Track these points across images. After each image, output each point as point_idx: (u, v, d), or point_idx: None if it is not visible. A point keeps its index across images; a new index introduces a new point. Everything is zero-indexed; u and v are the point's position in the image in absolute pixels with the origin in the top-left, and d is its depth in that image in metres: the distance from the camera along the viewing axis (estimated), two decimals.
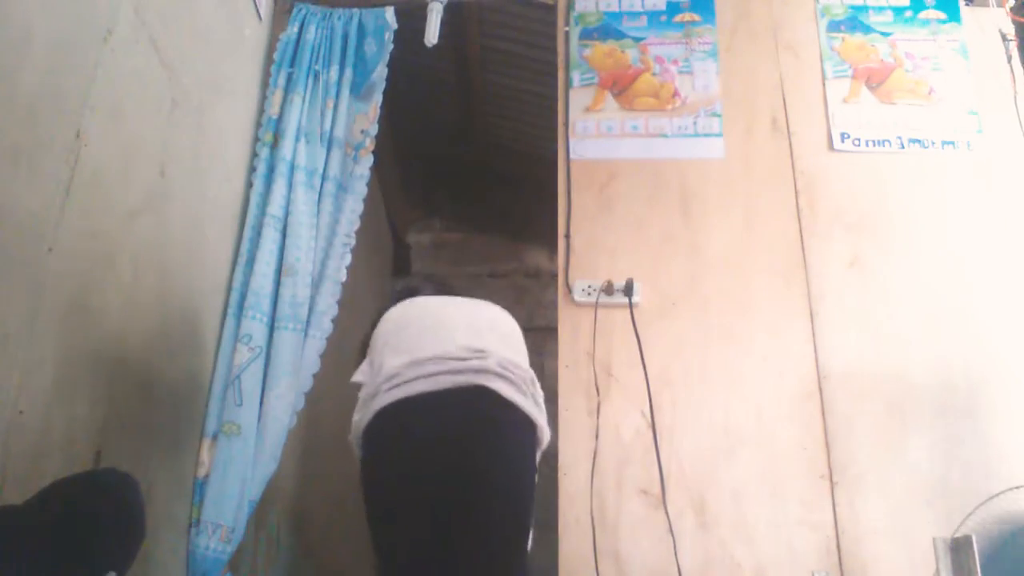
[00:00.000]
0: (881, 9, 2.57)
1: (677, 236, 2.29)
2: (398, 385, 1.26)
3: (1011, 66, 2.47)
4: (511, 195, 4.59)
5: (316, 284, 2.21)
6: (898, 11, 2.56)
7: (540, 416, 1.31)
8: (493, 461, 1.23)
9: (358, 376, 1.36)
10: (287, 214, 2.22)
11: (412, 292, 1.59)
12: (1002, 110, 2.42)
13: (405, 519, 1.19)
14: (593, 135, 2.42)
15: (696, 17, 2.56)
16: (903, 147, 2.38)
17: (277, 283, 2.15)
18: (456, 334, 1.32)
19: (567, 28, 2.56)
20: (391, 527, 1.21)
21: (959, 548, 1.54)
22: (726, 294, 2.21)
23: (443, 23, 2.56)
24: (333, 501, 3.26)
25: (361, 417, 1.29)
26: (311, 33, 2.45)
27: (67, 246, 1.46)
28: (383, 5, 2.50)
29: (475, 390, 1.24)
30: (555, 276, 2.29)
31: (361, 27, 2.49)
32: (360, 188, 2.34)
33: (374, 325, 1.53)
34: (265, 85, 2.43)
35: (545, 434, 1.33)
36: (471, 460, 1.21)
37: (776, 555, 1.94)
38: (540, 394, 1.33)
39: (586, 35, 2.55)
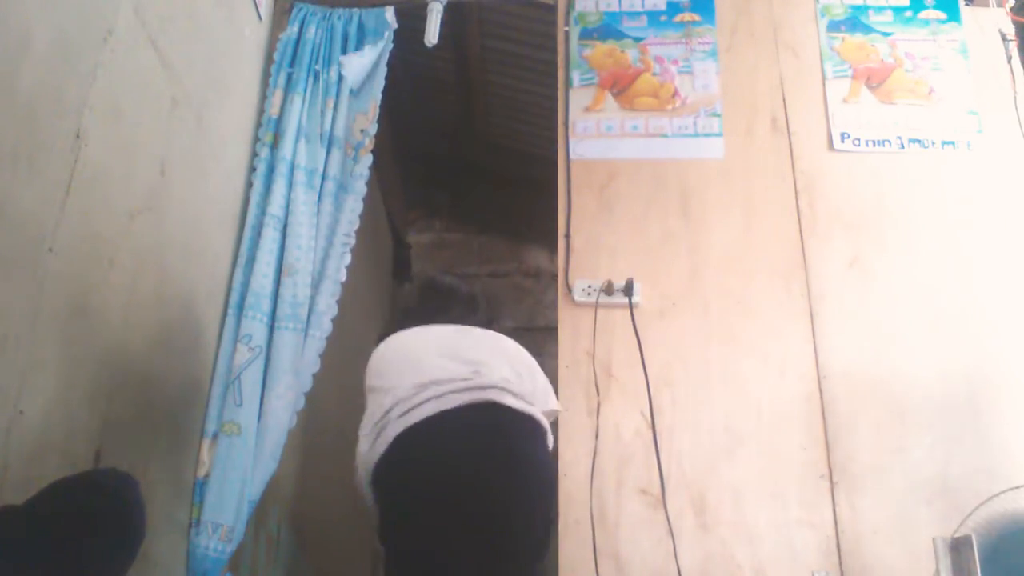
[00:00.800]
0: (881, 9, 2.57)
1: (677, 236, 2.29)
2: (408, 411, 1.25)
3: (1011, 66, 2.47)
4: (511, 195, 4.58)
5: (316, 284, 2.21)
6: (898, 11, 2.56)
7: (542, 409, 1.32)
8: (513, 474, 1.24)
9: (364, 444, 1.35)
10: (287, 214, 2.21)
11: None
12: (1002, 110, 2.42)
13: (444, 543, 1.18)
14: (593, 135, 2.42)
15: (696, 17, 2.56)
16: (903, 147, 2.38)
17: (277, 283, 2.15)
18: (456, 351, 1.32)
19: (567, 28, 2.56)
20: (431, 556, 1.20)
21: (959, 548, 1.54)
22: (726, 294, 2.21)
23: (443, 23, 2.56)
24: (333, 501, 3.26)
25: (371, 449, 1.27)
26: (311, 33, 2.45)
27: (67, 246, 1.46)
28: (383, 5, 2.50)
29: (486, 405, 1.24)
30: (555, 276, 2.29)
31: (361, 27, 2.49)
32: (360, 188, 2.33)
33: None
34: (265, 85, 2.42)
35: (547, 424, 1.34)
36: (493, 474, 1.22)
37: (776, 555, 1.94)
38: (540, 379, 1.34)
39: (586, 35, 2.55)
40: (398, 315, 1.62)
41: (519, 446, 1.26)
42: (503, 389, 1.28)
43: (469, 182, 4.77)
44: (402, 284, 4.63)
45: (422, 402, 1.26)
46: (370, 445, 1.28)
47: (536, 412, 1.30)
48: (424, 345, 1.38)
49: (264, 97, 2.41)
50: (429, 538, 1.21)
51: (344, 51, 2.45)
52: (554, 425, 1.81)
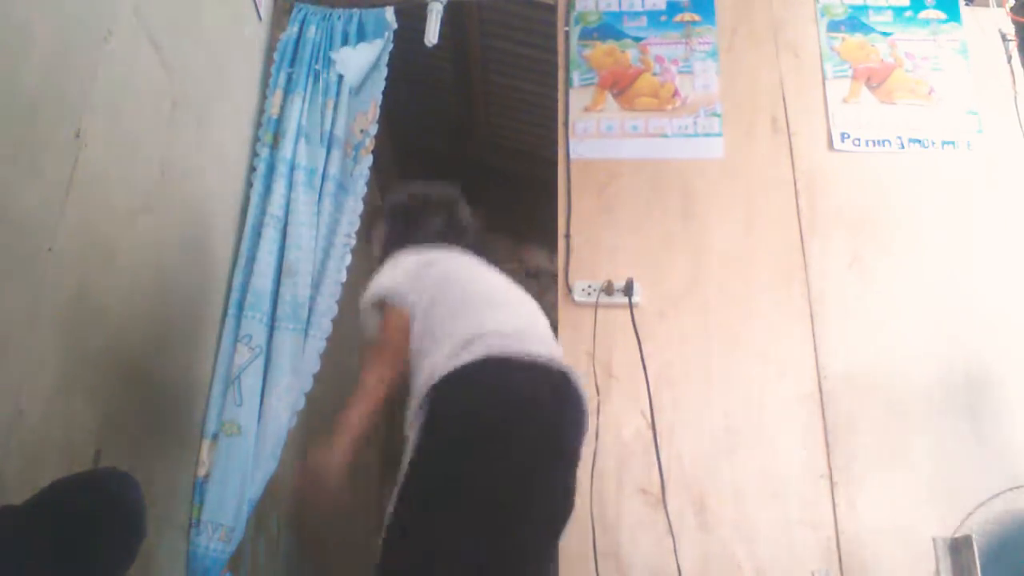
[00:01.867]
0: (881, 9, 2.57)
1: (677, 236, 2.29)
2: (506, 343, 1.35)
3: (1011, 66, 2.47)
4: (511, 195, 4.58)
5: (316, 284, 2.21)
6: (898, 11, 2.56)
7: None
8: (577, 439, 1.42)
9: (387, 281, 1.48)
10: (287, 214, 2.22)
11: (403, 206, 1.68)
12: (1002, 110, 2.42)
13: (513, 474, 1.28)
14: (593, 135, 2.42)
15: (696, 17, 2.56)
16: (903, 147, 2.38)
17: (277, 283, 2.15)
18: (531, 313, 1.52)
19: (567, 28, 2.56)
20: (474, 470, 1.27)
21: (959, 548, 1.54)
22: (726, 294, 2.21)
23: (443, 23, 2.57)
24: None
25: (449, 358, 1.32)
26: (311, 33, 2.45)
27: (67, 246, 1.46)
28: (383, 5, 2.50)
29: (568, 375, 1.42)
30: (555, 276, 2.29)
31: (361, 27, 2.49)
32: (360, 188, 2.34)
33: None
34: (265, 85, 2.42)
35: None
36: (563, 429, 1.38)
37: (776, 555, 1.94)
38: None
39: (586, 35, 2.55)
40: (391, 213, 1.65)
41: (584, 421, 1.45)
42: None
43: (469, 182, 4.77)
44: None
45: (520, 343, 1.36)
46: (449, 351, 1.32)
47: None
48: (502, 288, 1.54)
49: (264, 97, 2.41)
50: (495, 465, 1.27)
51: None
52: None
